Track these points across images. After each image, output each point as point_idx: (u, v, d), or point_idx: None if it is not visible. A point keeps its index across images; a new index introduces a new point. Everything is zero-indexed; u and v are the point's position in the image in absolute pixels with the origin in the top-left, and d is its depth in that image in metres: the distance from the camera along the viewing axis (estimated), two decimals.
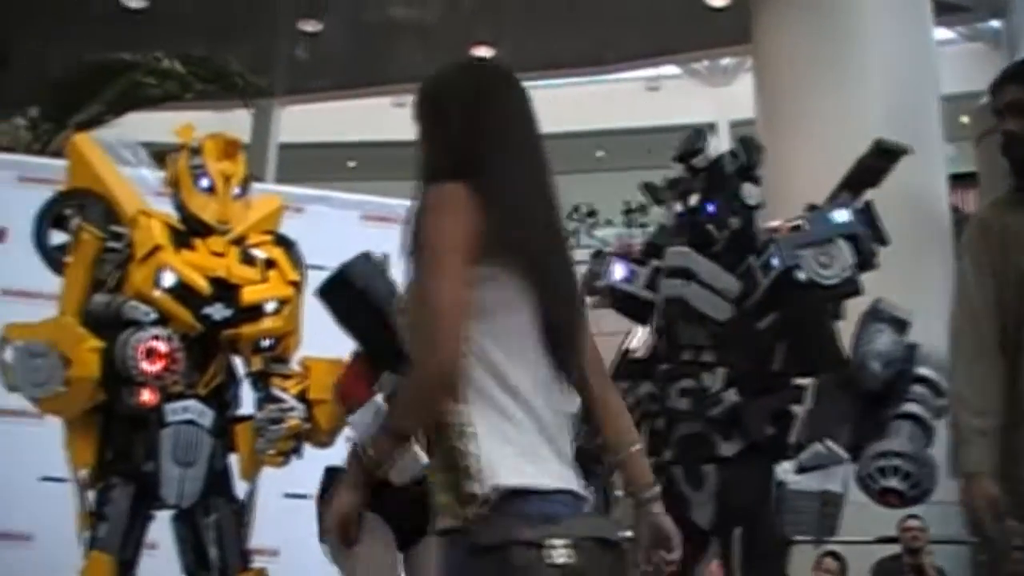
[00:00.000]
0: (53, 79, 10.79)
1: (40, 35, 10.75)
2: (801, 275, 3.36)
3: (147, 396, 3.65)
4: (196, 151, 4.07)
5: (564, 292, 2.29)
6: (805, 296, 3.40)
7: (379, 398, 3.49)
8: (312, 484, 5.65)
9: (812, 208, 3.66)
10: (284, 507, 5.56)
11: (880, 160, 3.61)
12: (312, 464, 4.19)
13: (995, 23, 16.87)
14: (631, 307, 3.89)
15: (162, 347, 3.68)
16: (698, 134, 3.89)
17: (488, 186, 2.30)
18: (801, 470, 3.25)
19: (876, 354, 3.30)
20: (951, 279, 12.08)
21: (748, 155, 3.78)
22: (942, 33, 17.77)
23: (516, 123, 2.52)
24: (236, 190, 4.07)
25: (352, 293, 3.62)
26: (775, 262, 3.40)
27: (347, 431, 4.05)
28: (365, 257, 3.77)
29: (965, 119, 13.74)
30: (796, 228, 3.51)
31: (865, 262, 3.54)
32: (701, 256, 3.63)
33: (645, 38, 18.00)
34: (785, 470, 3.25)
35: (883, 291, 9.30)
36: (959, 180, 15.90)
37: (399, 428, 2.22)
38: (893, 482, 3.24)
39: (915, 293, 10.51)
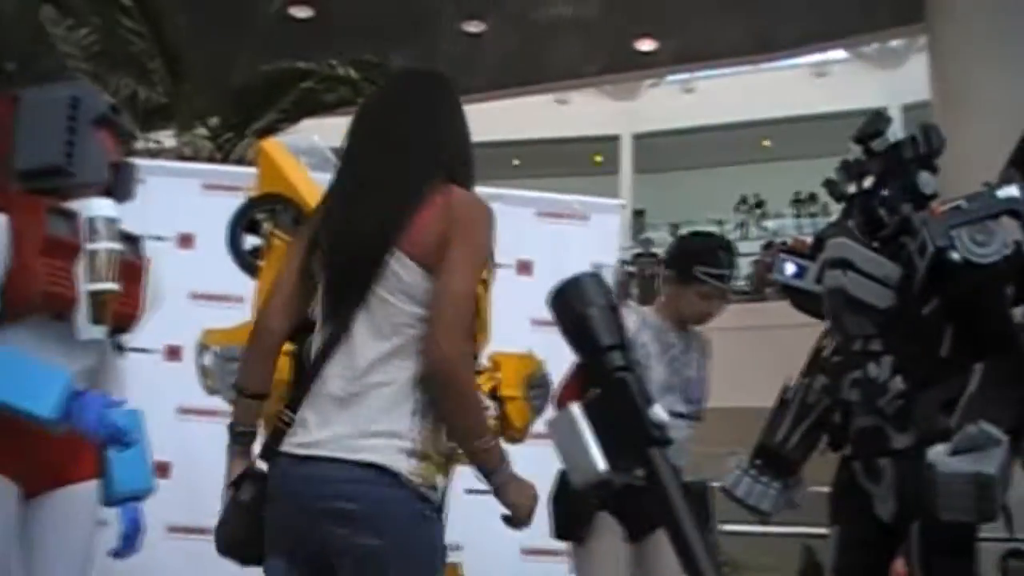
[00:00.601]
0: (231, 90, 11.16)
1: (216, 48, 11.11)
2: (955, 255, 3.23)
3: None
4: None
5: None
6: (963, 277, 3.27)
7: (574, 407, 3.48)
8: None
9: (986, 185, 3.53)
10: (466, 503, 5.63)
11: None
12: None
13: None
14: (805, 303, 3.85)
15: None
16: (879, 117, 3.81)
17: None
18: (954, 452, 3.13)
19: None
20: None
21: (928, 143, 3.67)
22: None
23: None
24: None
25: (570, 312, 3.64)
26: (928, 244, 3.29)
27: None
28: (588, 276, 3.75)
29: None
30: (956, 209, 3.38)
31: None
32: (861, 245, 3.55)
33: (811, 22, 17.61)
34: (937, 452, 3.14)
35: None
36: None
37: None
38: None
39: None
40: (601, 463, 3.30)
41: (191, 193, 5.91)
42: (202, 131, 11.39)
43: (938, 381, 3.39)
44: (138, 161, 8.15)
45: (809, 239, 3.88)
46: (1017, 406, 3.18)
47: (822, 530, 3.81)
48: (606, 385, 3.40)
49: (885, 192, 3.62)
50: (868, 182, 3.69)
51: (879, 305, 3.49)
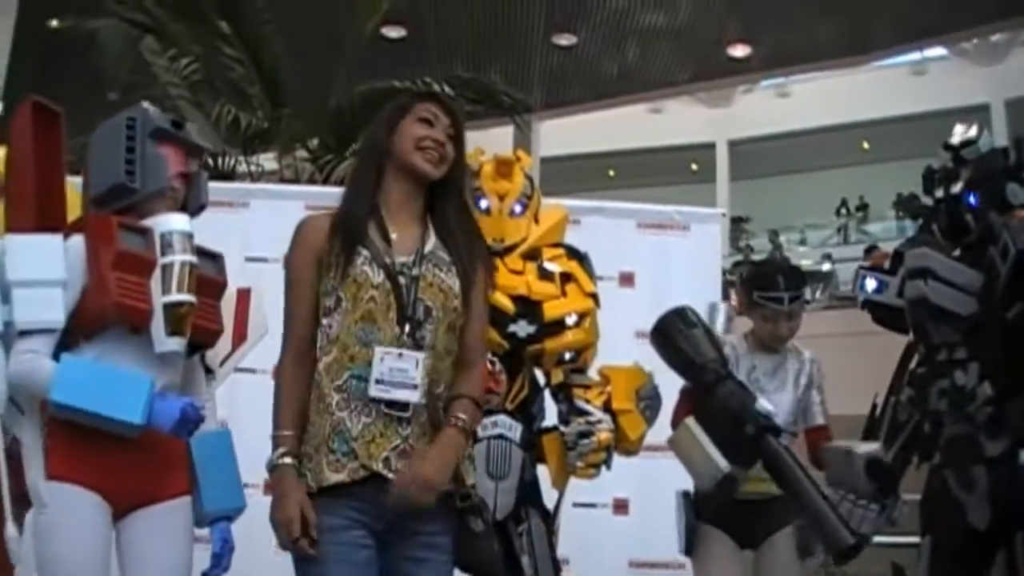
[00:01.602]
0: (328, 112, 11.30)
1: (313, 71, 11.29)
2: None
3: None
4: (475, 174, 4.19)
5: None
6: None
7: (689, 420, 3.85)
8: (599, 494, 5.73)
9: None
10: (573, 516, 5.63)
11: None
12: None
13: None
14: (888, 318, 3.86)
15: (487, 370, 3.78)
16: (972, 126, 3.77)
17: None
18: None
19: None
20: None
21: (1020, 155, 3.65)
22: None
23: None
24: (515, 207, 4.15)
25: (669, 342, 4.01)
26: (1010, 247, 3.25)
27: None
28: (675, 313, 4.04)
29: None
30: None
31: None
32: (941, 253, 3.52)
33: (907, 21, 17.35)
34: None
35: None
36: None
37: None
38: None
39: None
40: (723, 462, 3.69)
41: (295, 215, 6.00)
42: (302, 153, 11.55)
43: None
44: (242, 185, 8.33)
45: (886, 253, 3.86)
46: None
47: (912, 539, 3.75)
48: (712, 393, 3.64)
49: (972, 199, 3.60)
50: (957, 188, 3.66)
51: (962, 312, 3.47)
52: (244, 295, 4.16)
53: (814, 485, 3.54)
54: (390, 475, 2.68)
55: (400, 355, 2.73)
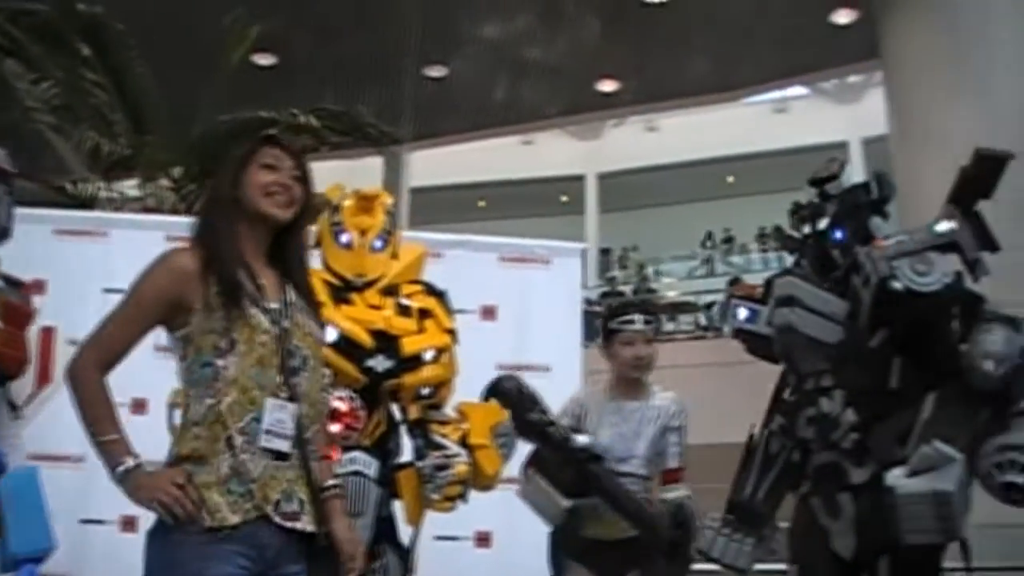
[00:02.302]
0: (193, 139, 11.15)
1: (179, 98, 11.12)
2: (897, 284, 3.32)
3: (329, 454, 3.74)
4: (336, 209, 4.19)
5: None
6: (907, 306, 3.35)
7: (528, 469, 4.31)
8: (462, 527, 5.73)
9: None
10: (435, 549, 5.62)
11: (982, 169, 3.53)
12: (460, 507, 4.23)
13: None
14: (759, 347, 3.94)
15: (344, 407, 3.77)
16: (833, 161, 3.89)
17: None
18: (912, 474, 3.17)
19: (986, 353, 3.21)
20: None
21: (881, 190, 3.79)
22: None
23: None
24: (375, 243, 4.16)
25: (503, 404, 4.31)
26: (871, 276, 3.37)
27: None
28: (498, 380, 4.41)
29: None
30: (898, 242, 3.47)
31: (972, 269, 3.46)
32: (809, 284, 3.63)
33: (771, 60, 17.85)
34: (894, 475, 3.18)
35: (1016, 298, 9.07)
36: None
37: None
38: (1010, 476, 3.12)
39: None
40: (563, 500, 4.10)
41: (156, 245, 5.90)
42: (165, 182, 11.35)
43: (890, 413, 3.46)
44: (101, 214, 8.13)
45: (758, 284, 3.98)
46: (968, 427, 3.23)
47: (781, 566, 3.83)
48: (539, 441, 3.97)
49: (839, 234, 3.70)
50: (823, 223, 3.76)
51: (828, 340, 3.56)
52: (48, 333, 3.94)
53: (631, 497, 4.08)
54: (276, 518, 2.68)
55: (283, 406, 2.74)
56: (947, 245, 3.44)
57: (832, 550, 3.57)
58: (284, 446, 2.72)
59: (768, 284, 3.86)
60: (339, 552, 2.81)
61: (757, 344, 3.90)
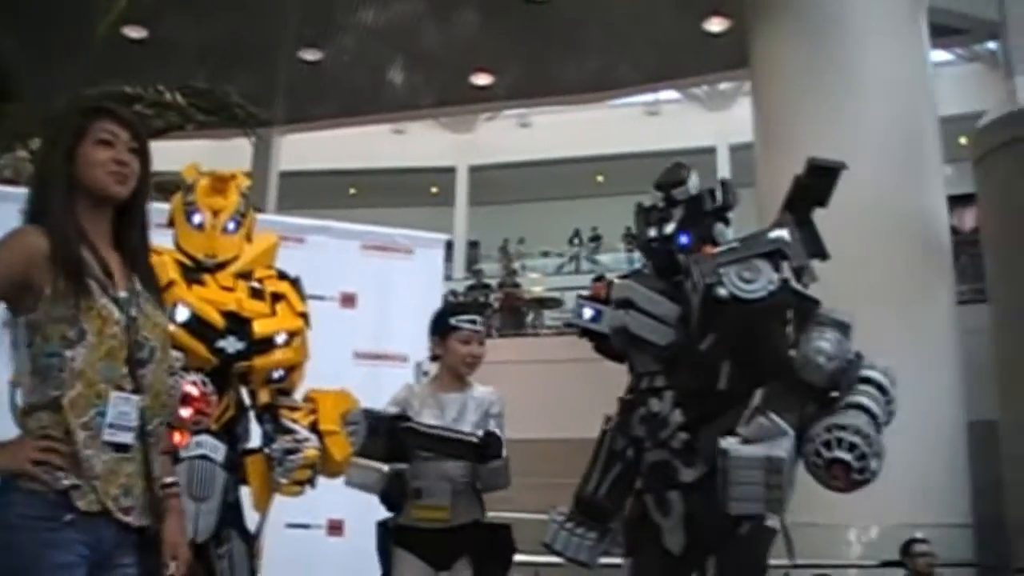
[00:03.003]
0: (55, 110, 10.83)
1: (45, 68, 10.79)
2: (722, 291, 3.42)
3: (178, 438, 3.68)
4: (190, 189, 4.14)
5: None
6: (733, 312, 3.45)
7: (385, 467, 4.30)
8: (314, 515, 5.71)
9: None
10: (287, 537, 5.58)
11: (816, 178, 3.66)
12: (312, 494, 4.22)
13: (992, 45, 16.97)
14: (604, 346, 4.01)
15: (195, 391, 3.71)
16: (680, 167, 3.97)
17: None
18: (746, 442, 3.27)
19: (819, 350, 3.32)
20: (951, 296, 12.08)
21: (725, 198, 3.88)
22: (941, 55, 17.87)
23: None
24: (229, 224, 4.11)
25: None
26: (699, 281, 3.47)
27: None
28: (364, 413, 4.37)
29: (963, 140, 13.78)
30: (727, 249, 3.57)
31: (799, 276, 3.58)
32: (646, 287, 3.72)
33: (644, 64, 18.09)
34: (729, 442, 3.27)
35: (886, 309, 9.43)
36: (958, 201, 15.95)
37: None
38: (838, 453, 3.22)
39: (917, 309, 10.67)
40: (382, 466, 4.25)
41: (10, 218, 5.74)
42: (23, 153, 11.02)
43: (719, 414, 3.55)
44: None
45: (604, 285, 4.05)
46: (796, 414, 3.33)
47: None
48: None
49: (684, 239, 3.78)
50: (669, 228, 3.83)
51: (660, 342, 3.65)
52: None
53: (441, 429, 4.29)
54: (117, 513, 2.64)
55: (128, 399, 2.68)
56: (775, 252, 3.53)
57: (663, 546, 3.65)
58: (127, 438, 2.67)
59: (610, 285, 3.94)
60: (164, 553, 2.77)
61: (602, 343, 3.97)
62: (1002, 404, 10.66)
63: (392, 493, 4.32)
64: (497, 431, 4.33)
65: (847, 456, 3.19)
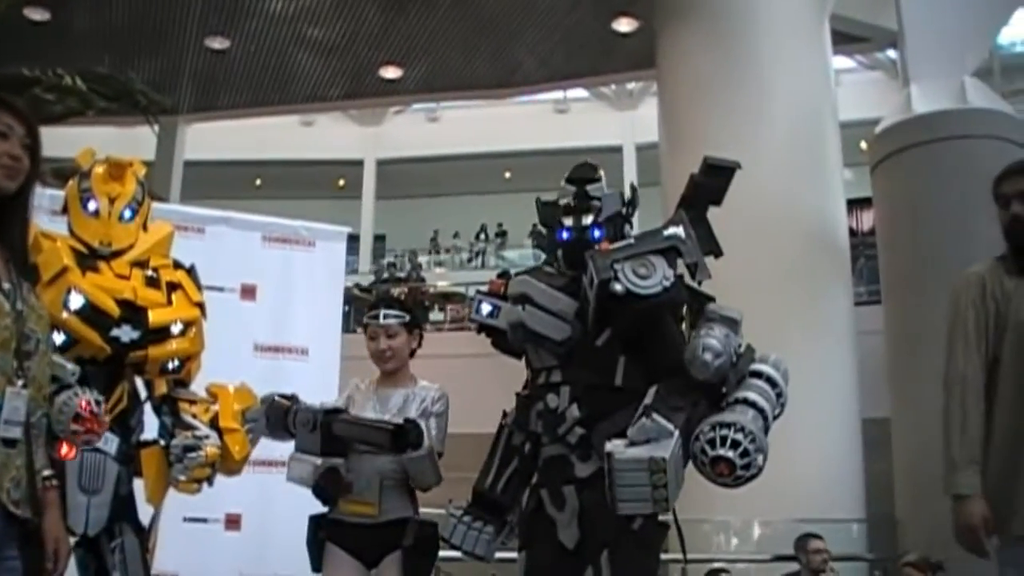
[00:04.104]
0: None
1: None
2: (617, 287, 3.46)
3: (66, 450, 3.62)
4: (85, 175, 4.06)
5: None
6: (628, 307, 3.50)
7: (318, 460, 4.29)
8: (210, 509, 5.66)
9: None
10: (184, 531, 5.53)
11: (711, 178, 3.72)
12: (210, 488, 4.18)
13: (892, 53, 17.31)
14: (502, 342, 4.00)
15: (88, 412, 3.61)
16: (592, 167, 3.99)
17: None
18: (631, 444, 3.32)
19: (706, 346, 3.38)
20: (849, 298, 12.30)
21: (632, 201, 3.92)
22: (843, 62, 18.22)
23: None
24: (125, 212, 4.04)
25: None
26: (594, 276, 3.51)
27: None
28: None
29: (863, 145, 14.06)
30: (623, 245, 3.61)
31: (692, 273, 3.64)
32: (543, 283, 3.74)
33: (553, 62, 18.15)
34: (614, 444, 3.31)
35: (785, 309, 9.60)
36: (856, 204, 16.29)
37: None
38: (722, 451, 3.29)
39: (816, 308, 10.88)
40: (316, 459, 4.25)
41: None
42: None
43: (615, 409, 3.58)
44: None
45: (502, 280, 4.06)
46: (684, 412, 3.37)
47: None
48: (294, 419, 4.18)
49: (598, 234, 3.80)
50: (588, 220, 3.83)
51: (556, 338, 3.66)
52: None
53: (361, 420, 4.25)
54: (10, 505, 2.61)
55: (19, 394, 2.65)
56: (670, 249, 3.58)
57: (557, 540, 3.66)
58: (17, 433, 2.65)
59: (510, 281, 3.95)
60: (43, 546, 2.74)
61: (500, 338, 3.99)
62: (894, 402, 10.91)
63: (323, 487, 4.27)
64: (420, 422, 4.28)
65: (730, 454, 3.24)
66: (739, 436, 3.26)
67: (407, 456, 4.22)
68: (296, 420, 4.25)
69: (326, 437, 4.20)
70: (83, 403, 3.48)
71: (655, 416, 3.31)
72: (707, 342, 3.38)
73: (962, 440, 3.52)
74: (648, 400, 3.41)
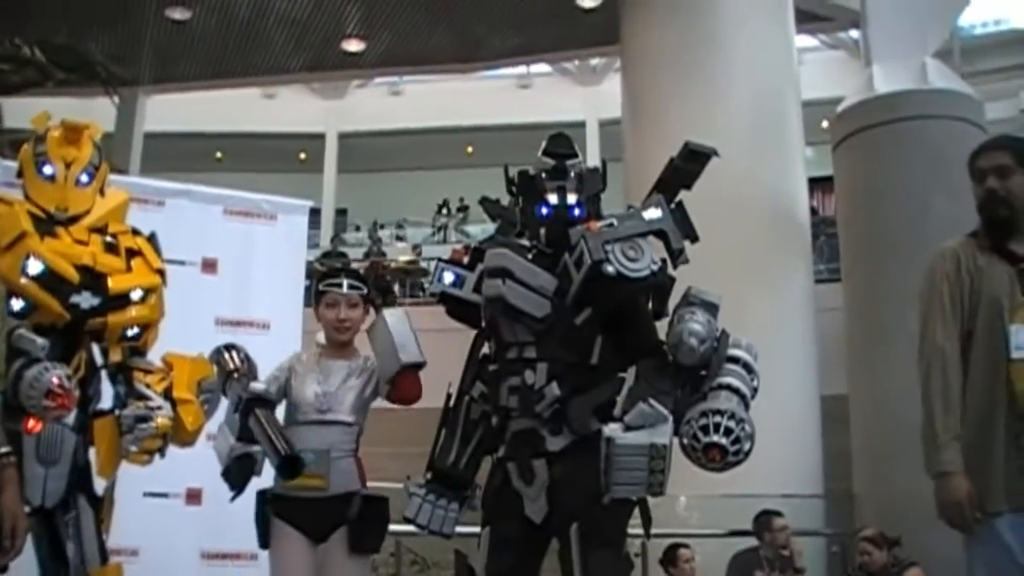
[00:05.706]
0: None
1: None
2: (609, 268, 3.47)
3: (32, 424, 3.58)
4: (41, 139, 4.00)
5: None
6: (616, 289, 3.52)
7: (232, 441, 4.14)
8: (170, 484, 5.63)
9: (629, 208, 3.79)
10: (144, 505, 5.49)
11: (690, 162, 3.74)
12: (170, 463, 4.15)
13: (854, 33, 17.38)
14: (462, 312, 4.00)
15: (61, 388, 3.57)
16: (569, 140, 3.97)
17: None
18: (628, 429, 3.35)
19: (691, 332, 3.42)
20: (809, 275, 12.40)
21: (604, 177, 3.92)
22: (805, 41, 18.26)
23: None
24: (82, 176, 3.99)
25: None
26: (585, 257, 3.51)
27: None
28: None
29: (825, 124, 14.13)
30: (609, 227, 3.62)
31: (675, 257, 3.66)
32: (521, 256, 3.73)
33: (516, 36, 18.10)
34: (613, 429, 3.34)
35: (746, 286, 9.63)
36: (818, 183, 16.37)
37: None
38: (715, 438, 3.34)
39: (776, 287, 10.94)
40: (233, 442, 4.10)
41: None
42: None
43: (589, 387, 3.60)
44: None
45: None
46: (670, 397, 3.41)
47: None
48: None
49: (578, 211, 3.79)
50: (572, 198, 3.82)
51: (536, 314, 3.66)
52: None
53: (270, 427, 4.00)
54: None
55: None
56: (654, 232, 3.59)
57: (524, 514, 3.67)
58: None
59: (477, 251, 3.93)
60: (4, 524, 2.71)
61: (459, 309, 3.97)
62: (851, 379, 11.01)
63: (232, 471, 4.14)
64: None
65: (723, 441, 3.32)
66: (731, 423, 3.33)
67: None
68: (227, 390, 4.21)
69: (244, 423, 4.08)
70: (54, 379, 3.45)
71: (652, 402, 3.34)
72: (692, 327, 3.42)
73: (945, 415, 3.52)
74: (632, 383, 3.43)
